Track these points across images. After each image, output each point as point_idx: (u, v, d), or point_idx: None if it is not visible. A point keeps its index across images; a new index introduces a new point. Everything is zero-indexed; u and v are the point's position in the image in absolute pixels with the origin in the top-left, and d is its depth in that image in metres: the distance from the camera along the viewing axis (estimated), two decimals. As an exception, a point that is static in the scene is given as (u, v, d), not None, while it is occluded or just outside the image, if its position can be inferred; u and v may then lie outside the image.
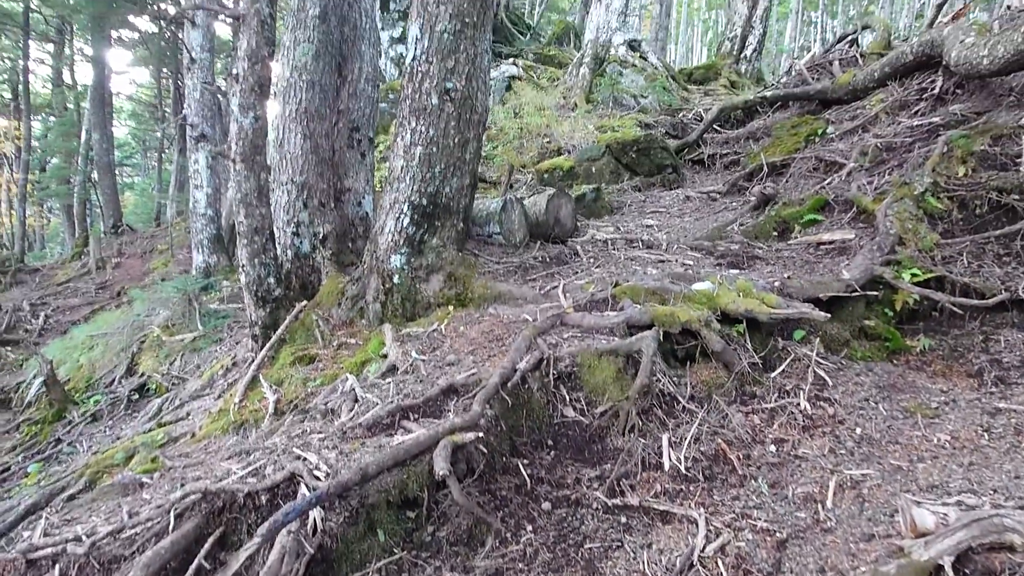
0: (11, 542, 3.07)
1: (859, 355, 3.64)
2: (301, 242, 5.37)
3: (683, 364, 3.59)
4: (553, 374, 3.35)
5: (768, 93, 9.35)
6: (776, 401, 3.27)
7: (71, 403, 9.30)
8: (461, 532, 2.59)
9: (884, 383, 3.36)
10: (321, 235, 5.40)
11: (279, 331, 4.82)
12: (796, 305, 3.59)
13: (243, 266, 4.94)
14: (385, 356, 4.14)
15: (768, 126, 8.51)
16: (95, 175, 20.54)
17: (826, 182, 5.57)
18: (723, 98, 11.80)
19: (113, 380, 9.80)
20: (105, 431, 7.88)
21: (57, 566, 2.67)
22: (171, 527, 2.57)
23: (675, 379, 3.44)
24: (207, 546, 2.54)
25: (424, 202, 4.62)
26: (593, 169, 8.67)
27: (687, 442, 3.06)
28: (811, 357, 3.45)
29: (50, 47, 22.60)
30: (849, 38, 10.18)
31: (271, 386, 4.27)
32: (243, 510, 2.67)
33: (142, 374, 9.43)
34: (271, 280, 4.95)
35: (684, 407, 3.30)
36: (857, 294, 3.85)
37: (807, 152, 6.53)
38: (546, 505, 2.84)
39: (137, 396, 9.00)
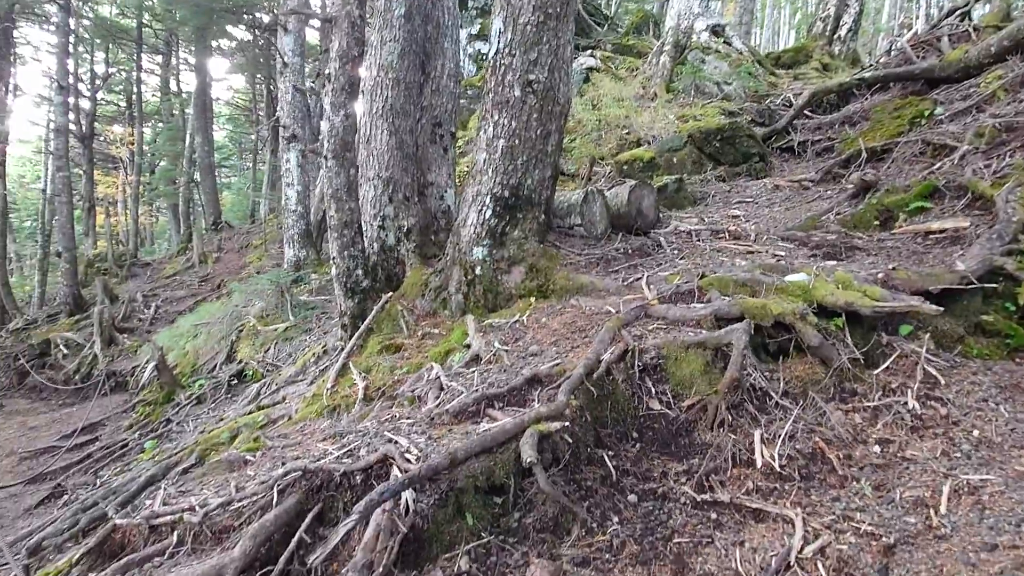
0: (136, 509, 3.36)
1: (975, 352, 3.36)
2: (387, 235, 5.55)
3: (775, 359, 3.44)
4: (638, 366, 3.30)
5: (867, 74, 8.77)
6: (880, 400, 3.08)
7: (179, 386, 10.06)
8: (547, 520, 2.60)
9: (1006, 383, 3.08)
10: (405, 228, 5.56)
11: (367, 321, 5.01)
12: (903, 298, 3.36)
13: (333, 258, 5.16)
14: (468, 346, 4.21)
15: (866, 110, 7.98)
16: (197, 176, 22.05)
17: (935, 167, 5.16)
18: (815, 82, 11.17)
19: (215, 366, 10.51)
20: (208, 413, 8.48)
21: (175, 532, 2.91)
22: (275, 502, 2.74)
23: (767, 374, 3.30)
24: (307, 521, 2.69)
25: (506, 194, 4.66)
26: (674, 160, 8.44)
27: (781, 439, 2.93)
28: (920, 354, 3.21)
29: (159, 58, 24.45)
30: (960, 11, 9.38)
31: (360, 373, 4.44)
32: (339, 489, 2.80)
33: (240, 361, 10.07)
34: (359, 272, 5.15)
35: (777, 403, 3.16)
36: (973, 287, 3.54)
37: (912, 136, 6.07)
38: (632, 497, 2.81)
39: (236, 381, 9.62)
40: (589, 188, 5.45)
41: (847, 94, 8.91)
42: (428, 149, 5.84)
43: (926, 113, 6.43)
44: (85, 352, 13.08)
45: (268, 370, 9.45)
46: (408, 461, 2.59)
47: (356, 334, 4.89)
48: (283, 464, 3.11)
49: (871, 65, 10.05)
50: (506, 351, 3.88)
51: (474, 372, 3.72)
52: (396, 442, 2.85)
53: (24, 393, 12.97)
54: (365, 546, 2.23)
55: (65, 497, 7.09)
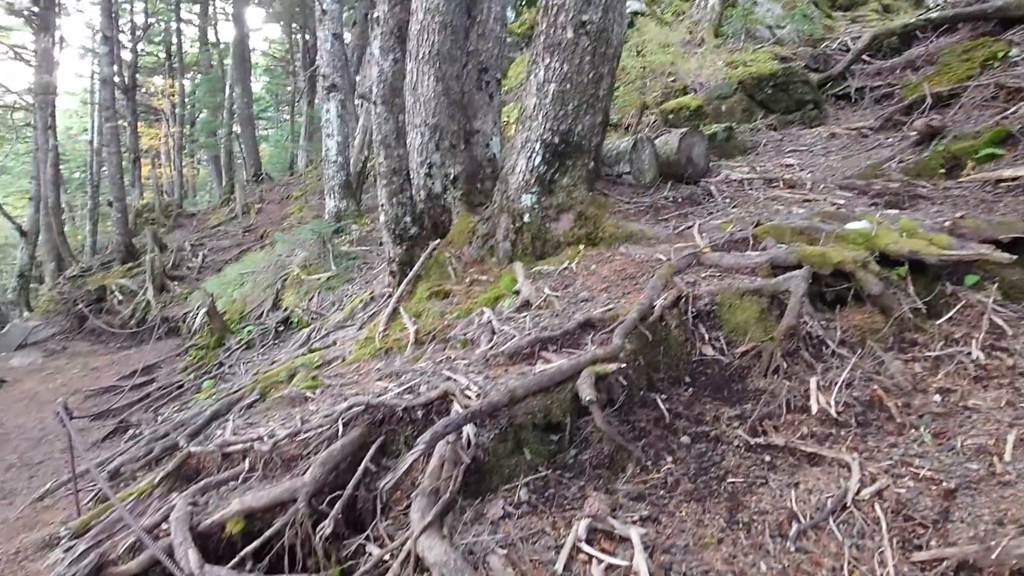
0: (206, 439, 3.57)
1: (1045, 304, 3.25)
2: (433, 183, 5.56)
3: (831, 308, 3.39)
4: (692, 312, 3.30)
5: (934, 15, 8.25)
6: (942, 349, 3.02)
7: (228, 332, 10.43)
8: (603, 457, 2.67)
9: (1078, 335, 2.99)
10: (452, 176, 5.56)
11: (415, 268, 5.08)
12: (972, 246, 3.25)
13: (382, 205, 5.22)
14: (517, 292, 4.26)
15: (931, 53, 7.53)
16: (237, 128, 22.28)
17: (1008, 112, 4.89)
18: (874, 24, 10.56)
19: (262, 313, 10.85)
20: (258, 357, 8.80)
21: (247, 459, 3.08)
22: (340, 433, 2.87)
23: (823, 323, 3.26)
24: (371, 452, 2.82)
25: (556, 140, 4.60)
26: (723, 108, 8.16)
27: (838, 387, 2.91)
28: (987, 304, 3.12)
29: (197, 7, 24.43)
30: (1041, -56, 8.65)
31: (410, 318, 4.54)
32: (400, 423, 2.92)
33: (285, 308, 10.37)
34: (407, 219, 5.20)
35: (833, 351, 3.13)
36: (1046, 237, 3.40)
37: (983, 79, 5.74)
38: (684, 439, 2.85)
39: (282, 328, 9.93)
40: (638, 135, 5.34)
41: (910, 37, 8.41)
42: (474, 96, 5.77)
43: (1000, 55, 6.04)
44: (139, 298, 13.63)
45: (312, 318, 9.73)
46: (468, 398, 2.68)
47: (405, 280, 4.98)
48: (345, 400, 3.25)
49: (938, 5, 9.43)
50: (557, 297, 3.91)
51: (525, 317, 3.77)
52: (455, 380, 2.94)
53: (84, 336, 13.66)
54: (431, 474, 2.34)
55: (130, 431, 7.54)
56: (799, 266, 3.35)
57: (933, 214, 3.84)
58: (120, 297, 14.15)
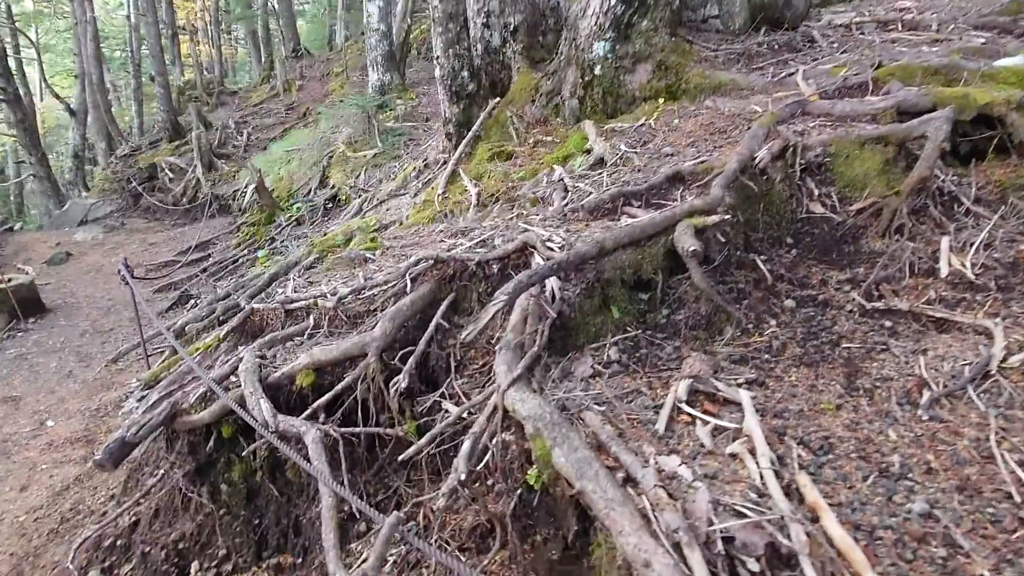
0: (269, 297, 3.45)
1: None
2: (491, 35, 5.01)
3: (964, 163, 2.92)
4: (800, 164, 2.87)
5: None
6: (1105, 207, 2.56)
7: (278, 209, 10.36)
8: (699, 318, 2.41)
9: None
10: (512, 26, 4.98)
11: (474, 128, 4.69)
12: None
13: (437, 58, 4.74)
14: (589, 151, 3.86)
15: None
16: (273, 1, 21.15)
17: None
18: None
19: (309, 191, 10.69)
20: (309, 233, 8.75)
21: (311, 316, 2.95)
22: (408, 289, 2.67)
23: (955, 178, 2.81)
24: (442, 308, 2.62)
25: (637, -26, 3.98)
26: (819, -50, 7.06)
27: (974, 248, 2.52)
28: None
29: None
30: None
31: (471, 180, 4.23)
32: (472, 279, 2.69)
33: (333, 186, 10.18)
34: (465, 74, 4.73)
35: (968, 210, 2.70)
36: None
37: None
38: (788, 303, 2.55)
39: (331, 205, 9.79)
40: (729, -28, 4.60)
41: None
42: (537, -71, 5.04)
43: None
44: (188, 176, 13.64)
45: (360, 195, 9.54)
46: (551, 249, 2.41)
47: (464, 141, 4.61)
48: (408, 257, 3.04)
49: None
50: (635, 154, 3.51)
51: (601, 174, 3.40)
52: (535, 232, 2.66)
53: (140, 213, 13.91)
54: (514, 328, 2.12)
55: (191, 302, 7.72)
56: (932, 110, 2.84)
57: (1100, 52, 3.18)
58: (170, 175, 14.21)
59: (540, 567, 1.96)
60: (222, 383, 2.61)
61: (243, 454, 2.40)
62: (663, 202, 2.93)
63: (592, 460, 1.64)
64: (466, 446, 1.78)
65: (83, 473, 4.51)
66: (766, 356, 2.30)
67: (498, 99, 4.83)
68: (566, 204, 3.09)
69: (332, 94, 16.35)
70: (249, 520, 2.70)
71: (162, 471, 2.82)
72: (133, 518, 2.94)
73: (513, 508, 1.93)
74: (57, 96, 20.77)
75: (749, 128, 3.36)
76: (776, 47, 4.21)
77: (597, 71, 4.28)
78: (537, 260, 2.39)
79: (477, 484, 2.10)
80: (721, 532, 1.53)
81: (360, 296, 2.88)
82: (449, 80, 4.71)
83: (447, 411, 2.38)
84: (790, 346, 2.33)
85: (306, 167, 12.00)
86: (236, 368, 2.66)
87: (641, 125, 3.90)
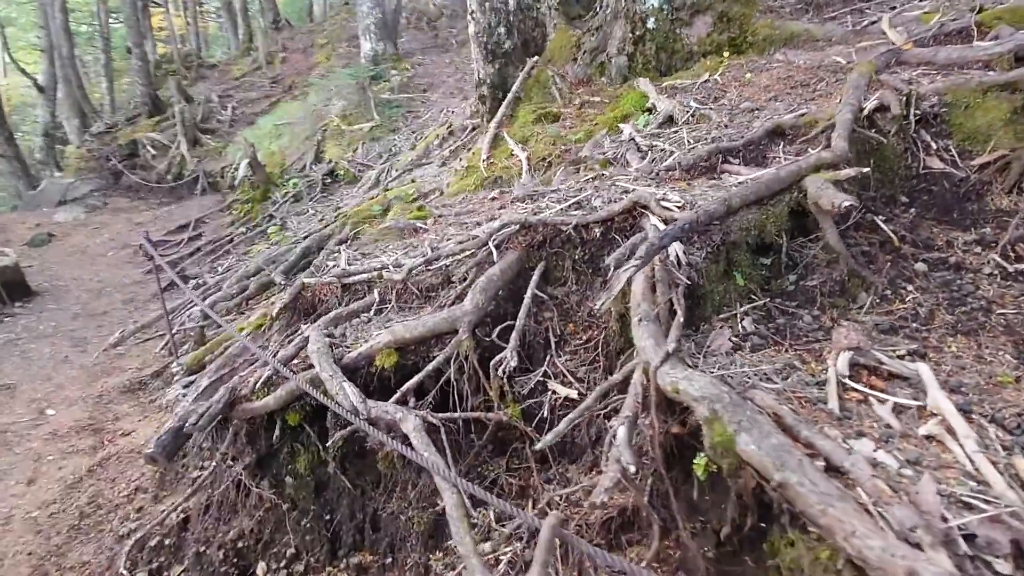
0: (318, 270, 3.11)
1: None
2: (525, -11, 4.66)
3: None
4: (914, 116, 2.62)
5: None
6: None
7: (273, 185, 9.89)
8: (832, 284, 2.16)
9: None
10: (547, -20, 4.64)
11: (513, 89, 4.36)
12: None
13: (471, 13, 4.38)
14: (649, 110, 3.58)
15: None
16: (250, -33, 20.24)
17: None
18: None
19: (304, 166, 10.23)
20: (309, 209, 8.33)
21: (375, 290, 2.64)
22: (495, 257, 2.38)
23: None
24: (535, 277, 2.34)
25: (702, -86, 3.66)
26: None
27: (1120, 202, 2.30)
28: None
29: None
30: None
31: (517, 143, 3.92)
32: (565, 244, 2.41)
33: (329, 161, 9.74)
34: (501, 30, 4.39)
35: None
36: None
37: None
38: (919, 266, 2.31)
39: (329, 180, 9.36)
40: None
41: None
42: None
43: None
44: (172, 152, 13.02)
45: (359, 170, 9.14)
46: (667, 209, 2.13)
47: (505, 103, 4.28)
48: (471, 227, 2.74)
49: None
50: (710, 110, 3.23)
51: (678, 132, 3.12)
52: (644, 190, 2.37)
53: (122, 192, 13.26)
54: (644, 296, 1.85)
55: (191, 283, 7.30)
56: (1053, 56, 2.61)
57: None
58: (153, 152, 13.54)
59: (692, 566, 1.72)
60: (286, 366, 2.31)
61: (328, 444, 2.11)
62: (761, 160, 2.67)
63: (790, 447, 1.40)
64: (622, 432, 1.52)
65: (95, 463, 4.18)
66: (915, 325, 2.07)
67: (536, 58, 4.50)
68: (654, 163, 2.80)
69: (319, 66, 15.74)
70: (320, 515, 2.43)
71: (213, 463, 2.52)
72: (182, 515, 2.64)
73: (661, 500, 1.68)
74: (24, 72, 19.71)
75: (836, 80, 3.11)
76: (845, -4, 3.94)
77: (650, 24, 3.97)
78: (654, 221, 2.11)
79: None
80: (960, 529, 1.30)
81: (430, 267, 2.58)
82: (485, 37, 4.36)
83: (554, 392, 2.12)
84: (938, 313, 2.09)
85: (299, 141, 11.52)
86: (302, 348, 2.36)
87: (705, 81, 3.61)
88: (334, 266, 2.91)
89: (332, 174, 9.41)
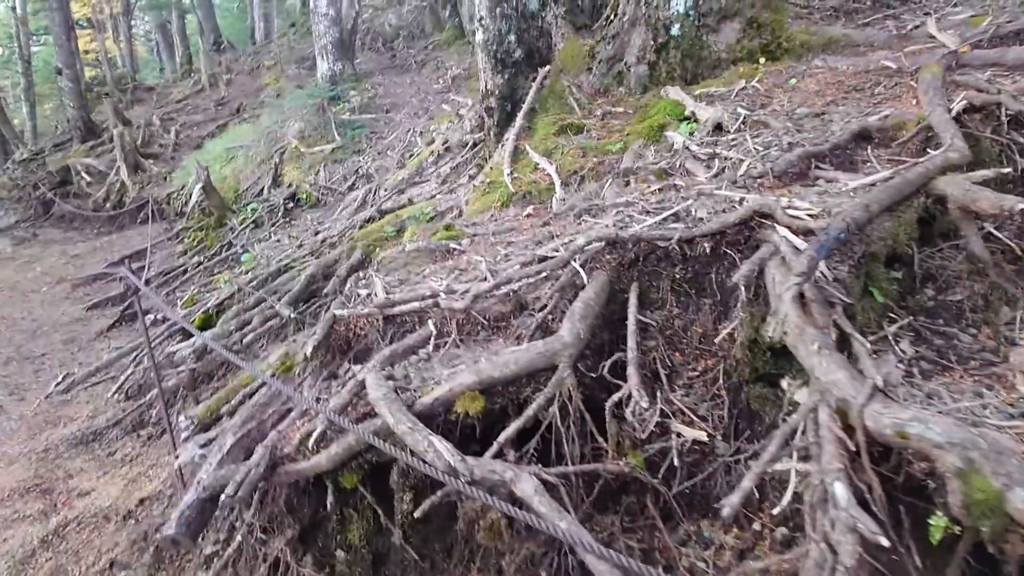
0: (348, 299, 2.67)
1: None
2: (529, -3, 4.40)
3: None
4: (1006, 116, 2.46)
5: None
6: None
7: (228, 211, 9.26)
8: (975, 298, 1.93)
9: None
10: (553, -12, 4.41)
11: (528, 99, 4.06)
12: None
13: (480, 19, 4.08)
14: (687, 118, 3.35)
15: None
16: (188, -12, 19.45)
17: None
18: None
19: (262, 190, 9.63)
20: (270, 236, 7.76)
21: (429, 321, 2.25)
22: (586, 280, 2.04)
23: None
24: (634, 301, 2.01)
25: (733, -85, 3.50)
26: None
27: None
28: None
29: None
30: None
31: (541, 156, 3.61)
32: (662, 262, 2.09)
33: (289, 184, 9.20)
34: (511, 38, 4.10)
35: None
36: None
37: None
38: (1045, 275, 2.12)
39: (292, 204, 8.83)
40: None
41: None
42: None
43: None
44: (111, 179, 12.09)
45: (323, 193, 8.67)
46: (796, 218, 1.85)
47: (520, 114, 3.97)
48: (509, 245, 2.40)
49: None
50: (767, 116, 3.01)
51: (737, 140, 2.89)
52: (764, 200, 2.08)
53: (53, 223, 12.18)
54: (802, 318, 1.55)
55: (149, 317, 6.58)
56: None
57: None
58: (88, 179, 12.52)
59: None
60: (341, 416, 1.88)
61: (416, 512, 1.68)
62: (849, 164, 2.45)
63: (1081, 502, 1.11)
64: (841, 490, 1.20)
65: (49, 532, 3.56)
66: (1071, 339, 1.85)
67: (548, 67, 4.23)
68: (725, 171, 2.54)
69: (267, 88, 15.13)
70: (381, 598, 1.99)
71: (239, 536, 2.04)
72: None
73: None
74: (-66, 94, 18.09)
75: (895, 84, 2.97)
76: (874, 1, 3.86)
77: (674, 31, 3.77)
78: (782, 232, 1.82)
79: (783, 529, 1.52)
80: None
81: (495, 294, 2.21)
82: (495, 45, 4.06)
83: (679, 435, 1.78)
84: (1092, 325, 1.88)
85: (253, 165, 10.88)
86: (356, 395, 1.93)
87: (743, 88, 3.42)
88: (369, 295, 2.49)
89: (294, 198, 8.87)
